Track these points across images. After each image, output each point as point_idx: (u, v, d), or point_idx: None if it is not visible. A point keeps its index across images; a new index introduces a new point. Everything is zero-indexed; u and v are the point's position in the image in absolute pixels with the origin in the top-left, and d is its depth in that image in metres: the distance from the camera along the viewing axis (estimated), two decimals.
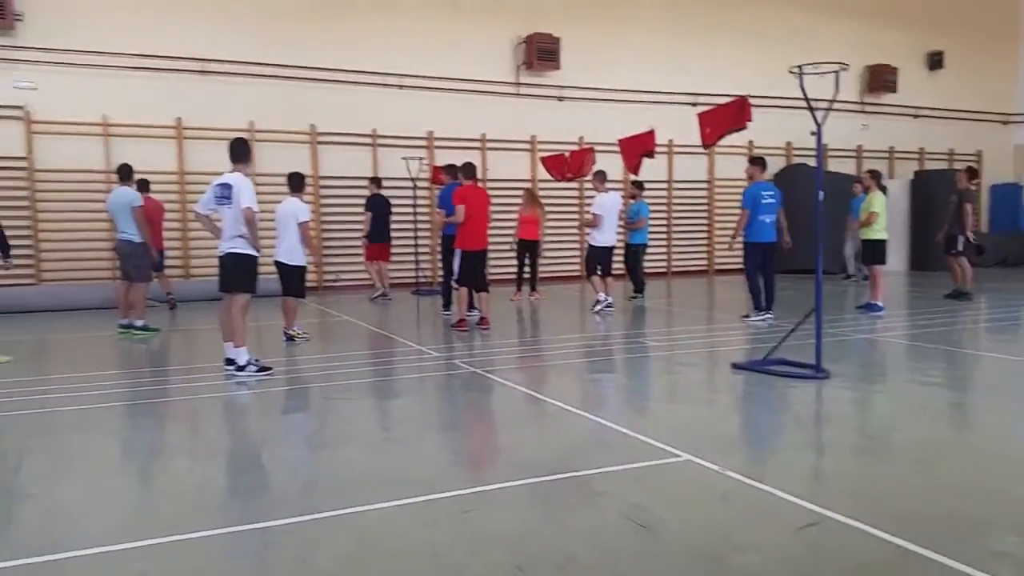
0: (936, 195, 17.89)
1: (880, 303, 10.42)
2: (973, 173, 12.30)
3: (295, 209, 8.27)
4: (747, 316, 9.81)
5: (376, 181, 13.15)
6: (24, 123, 12.35)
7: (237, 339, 6.69)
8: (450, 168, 10.73)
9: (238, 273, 6.74)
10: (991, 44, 20.75)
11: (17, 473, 4.25)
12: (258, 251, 6.79)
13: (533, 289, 12.59)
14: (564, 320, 10.83)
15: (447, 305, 10.56)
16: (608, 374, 7.16)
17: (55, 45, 12.40)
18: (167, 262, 12.15)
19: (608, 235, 10.94)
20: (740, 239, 9.86)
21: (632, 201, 12.64)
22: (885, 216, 10.71)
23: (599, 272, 10.97)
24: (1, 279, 12.18)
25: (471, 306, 9.37)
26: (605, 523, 3.45)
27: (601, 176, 10.96)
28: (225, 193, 6.64)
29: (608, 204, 10.88)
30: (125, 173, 9.23)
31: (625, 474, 4.08)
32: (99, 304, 11.39)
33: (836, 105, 6.26)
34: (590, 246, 11.19)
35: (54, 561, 3.10)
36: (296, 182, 8.61)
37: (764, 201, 9.58)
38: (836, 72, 6.15)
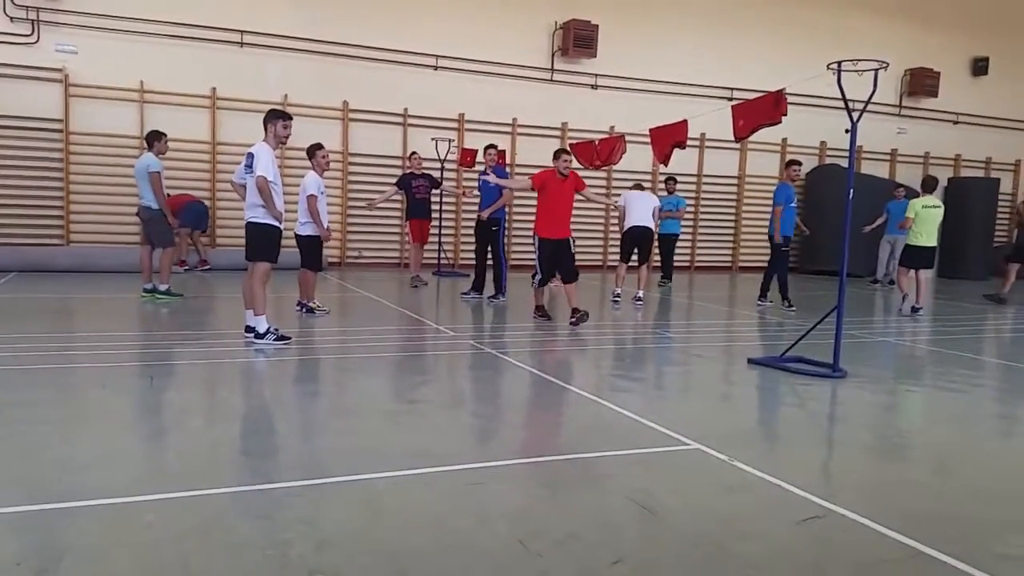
0: (970, 203, 17.64)
1: (920, 304, 10.66)
2: None
3: (306, 182, 8.37)
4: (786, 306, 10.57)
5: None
6: (62, 86, 12.52)
7: (257, 307, 6.76)
8: (488, 149, 10.57)
9: (257, 242, 6.83)
10: None
11: (35, 424, 4.34)
12: (279, 220, 6.84)
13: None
14: (586, 307, 10.79)
15: (479, 289, 10.45)
16: (623, 362, 7.14)
17: (96, 10, 12.55)
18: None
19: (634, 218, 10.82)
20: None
21: (670, 195, 13.57)
22: (926, 222, 10.83)
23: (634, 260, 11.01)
24: (32, 239, 12.43)
25: (540, 310, 8.86)
26: (609, 504, 3.46)
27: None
28: (249, 162, 6.75)
29: (631, 197, 10.99)
30: (151, 139, 9.35)
31: (632, 459, 4.08)
32: (126, 268, 11.56)
33: (873, 107, 6.18)
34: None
35: (66, 508, 3.17)
36: (310, 153, 8.61)
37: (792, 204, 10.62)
38: (875, 71, 6.05)
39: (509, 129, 15.37)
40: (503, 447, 4.41)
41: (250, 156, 6.75)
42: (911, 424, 5.40)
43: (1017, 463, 4.37)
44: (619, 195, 11.82)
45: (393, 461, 3.84)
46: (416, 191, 11.78)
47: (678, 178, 14.28)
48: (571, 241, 8.72)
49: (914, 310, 10.52)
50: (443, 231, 14.29)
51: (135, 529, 3.01)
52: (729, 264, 17.68)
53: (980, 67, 19.46)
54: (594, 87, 15.96)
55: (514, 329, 8.55)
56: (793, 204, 10.64)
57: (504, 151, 11.21)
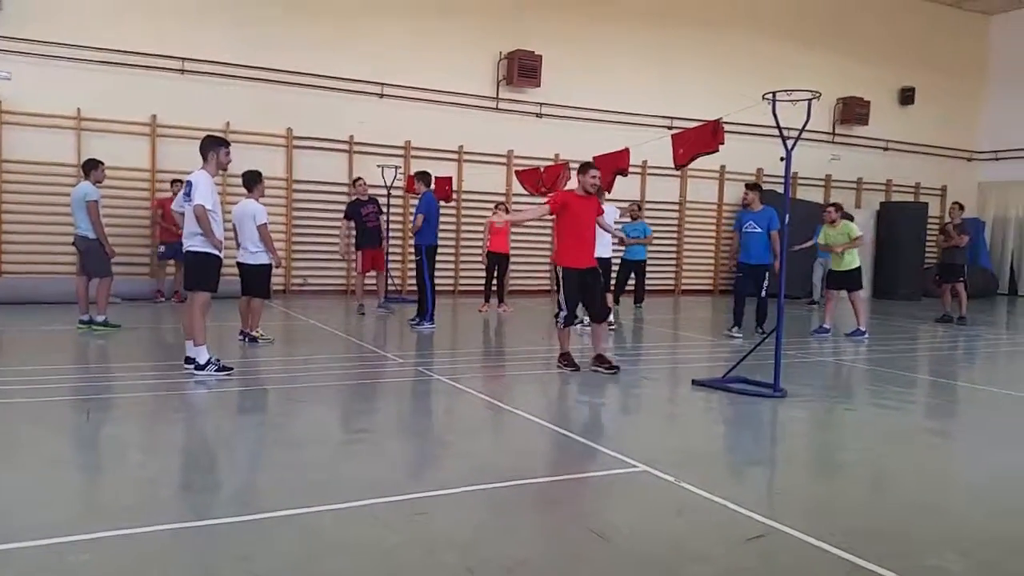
0: (900, 226, 18.33)
1: (863, 327, 10.72)
2: (962, 206, 13.23)
3: (252, 210, 8.20)
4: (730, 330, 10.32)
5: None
6: None
7: (197, 338, 6.62)
8: (422, 175, 10.63)
9: (196, 271, 6.71)
10: (959, 84, 21.31)
11: None
12: (219, 249, 6.74)
13: (501, 301, 12.64)
14: (530, 332, 10.85)
15: (421, 316, 10.33)
16: (571, 386, 7.17)
17: (33, 36, 12.25)
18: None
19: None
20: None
21: (634, 220, 13.68)
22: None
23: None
24: None
25: (566, 359, 7.51)
26: (559, 530, 3.46)
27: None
28: (187, 190, 6.66)
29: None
30: (87, 168, 9.19)
31: (581, 483, 4.10)
32: (60, 298, 11.19)
33: (808, 134, 6.39)
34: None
35: None
36: (248, 181, 8.38)
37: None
38: (808, 100, 6.27)
39: (455, 156, 15.44)
40: (451, 475, 4.38)
41: (188, 184, 6.66)
42: (849, 441, 5.54)
43: (950, 477, 4.52)
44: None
45: (338, 493, 3.79)
46: (367, 219, 11.69)
47: (621, 206, 14.49)
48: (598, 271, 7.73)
49: (826, 330, 10.72)
50: (388, 258, 14.22)
51: (69, 569, 2.90)
52: (672, 288, 17.98)
53: (907, 96, 20.33)
54: (539, 115, 16.17)
55: (464, 355, 8.52)
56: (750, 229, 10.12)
57: (418, 173, 11.04)
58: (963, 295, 12.63)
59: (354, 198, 12.07)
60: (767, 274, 9.96)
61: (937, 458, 5.08)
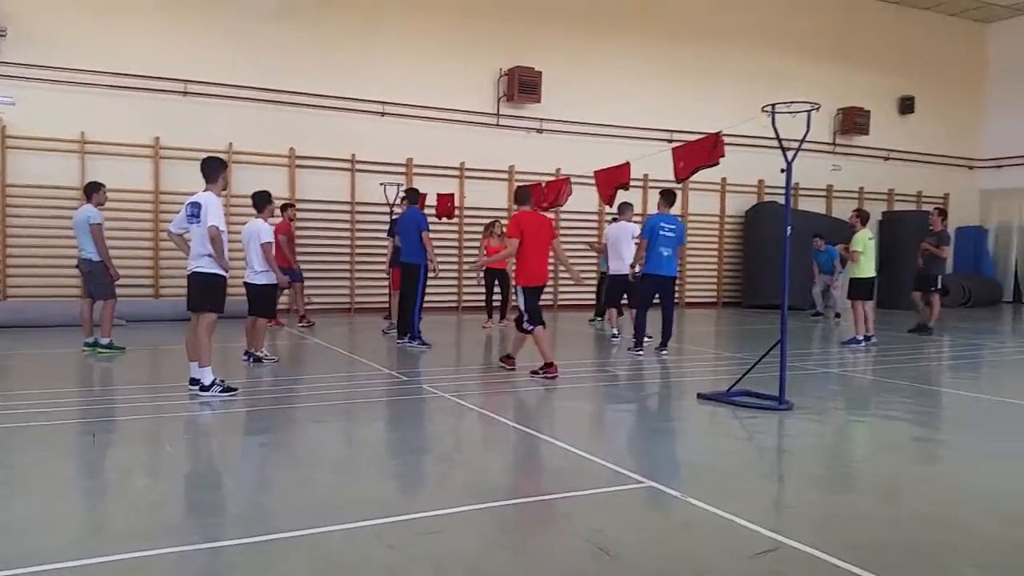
0: (903, 235, 18.31)
1: (860, 336, 10.80)
2: (945, 215, 12.82)
3: (258, 229, 8.29)
4: (633, 348, 9.66)
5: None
6: None
7: (202, 359, 6.63)
8: (411, 192, 10.64)
9: (204, 292, 6.73)
10: (959, 92, 21.38)
11: None
12: (226, 271, 6.78)
13: (503, 317, 12.65)
14: (533, 348, 10.82)
15: (402, 333, 10.26)
16: (574, 401, 7.16)
17: (36, 61, 12.36)
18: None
19: (620, 263, 10.75)
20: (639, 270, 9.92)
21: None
22: (871, 255, 11.07)
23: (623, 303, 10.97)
24: None
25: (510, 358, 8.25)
26: (565, 546, 3.45)
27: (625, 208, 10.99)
28: (194, 212, 6.68)
29: (612, 234, 11.01)
30: (89, 191, 9.27)
31: (588, 499, 4.09)
32: (65, 321, 11.22)
33: (809, 145, 6.41)
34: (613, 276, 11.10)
35: None
36: (258, 202, 8.57)
37: (663, 233, 9.52)
38: (808, 112, 6.30)
39: (457, 173, 15.50)
40: (458, 493, 4.37)
41: (196, 205, 6.69)
42: (857, 453, 5.53)
43: (960, 489, 4.49)
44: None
45: (346, 513, 3.78)
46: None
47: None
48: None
49: (867, 339, 10.81)
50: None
51: None
52: (676, 300, 17.93)
53: (907, 105, 20.39)
54: (539, 131, 16.24)
55: (468, 372, 8.52)
56: (667, 236, 9.55)
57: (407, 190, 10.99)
58: (936, 306, 12.33)
59: (396, 216, 11.84)
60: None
61: (945, 469, 5.05)
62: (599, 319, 13.28)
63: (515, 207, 8.62)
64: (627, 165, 9.21)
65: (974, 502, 4.20)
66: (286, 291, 11.36)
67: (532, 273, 7.99)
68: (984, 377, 9.26)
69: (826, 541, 3.47)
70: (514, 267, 8.49)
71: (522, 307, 8.02)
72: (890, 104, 20.35)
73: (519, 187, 8.96)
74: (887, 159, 20.25)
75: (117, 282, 9.29)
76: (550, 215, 15.38)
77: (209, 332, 6.72)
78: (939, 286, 12.31)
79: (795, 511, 4.12)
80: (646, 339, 9.74)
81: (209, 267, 6.67)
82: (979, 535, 3.67)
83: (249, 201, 8.91)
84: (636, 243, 10.19)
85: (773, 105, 6.32)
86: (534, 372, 7.89)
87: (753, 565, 3.25)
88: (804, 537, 3.50)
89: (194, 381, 6.71)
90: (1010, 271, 20.87)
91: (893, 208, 20.08)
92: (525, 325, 7.97)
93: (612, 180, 9.37)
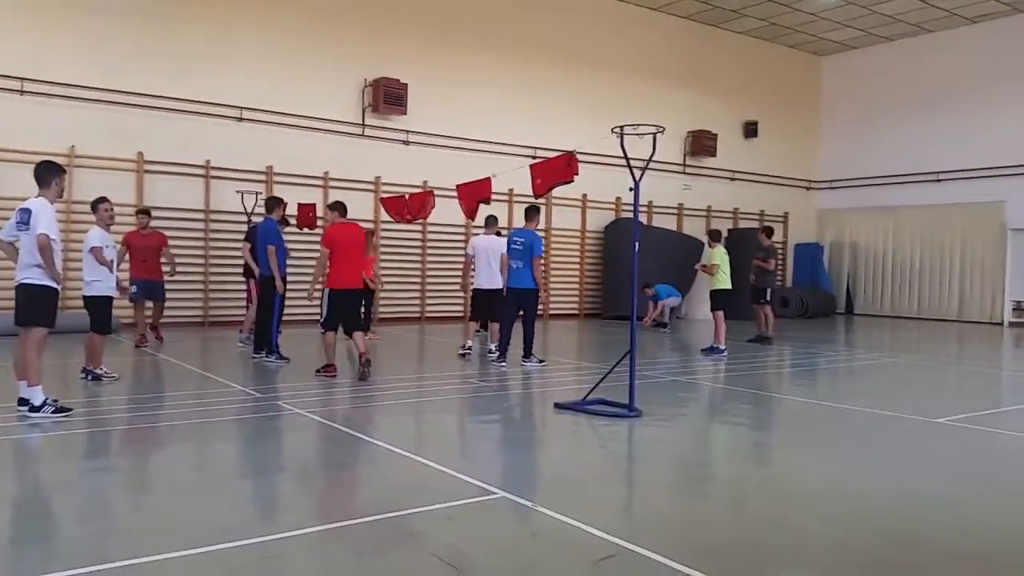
0: (746, 251, 19.55)
1: (722, 346, 11.50)
2: (770, 232, 14.13)
3: (89, 236, 7.81)
4: (497, 360, 9.89)
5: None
6: None
7: (31, 378, 6.15)
8: (268, 201, 10.20)
9: (32, 306, 6.25)
10: (798, 118, 23.11)
11: None
12: (58, 283, 6.32)
13: (367, 330, 12.44)
14: (397, 361, 10.78)
15: (258, 348, 9.95)
16: (435, 414, 7.18)
17: None
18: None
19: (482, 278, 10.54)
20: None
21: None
22: (727, 268, 12.01)
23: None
24: None
25: (327, 367, 8.67)
26: (414, 564, 3.45)
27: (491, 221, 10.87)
28: (24, 219, 6.20)
29: (479, 246, 10.64)
30: None
31: (440, 513, 4.10)
32: None
33: (661, 165, 6.82)
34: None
35: None
36: (93, 206, 8.05)
37: (513, 247, 9.86)
38: (653, 134, 6.64)
39: (321, 182, 15.19)
40: (305, 513, 4.27)
41: (26, 212, 6.21)
42: (702, 458, 5.84)
43: (799, 492, 4.81)
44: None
45: (183, 539, 3.62)
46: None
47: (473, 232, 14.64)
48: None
49: (716, 350, 11.45)
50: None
51: None
52: (540, 312, 18.31)
53: (751, 130, 21.84)
54: (406, 143, 16.19)
55: (327, 387, 8.34)
56: (515, 248, 9.80)
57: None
58: (770, 316, 13.40)
59: (254, 224, 11.29)
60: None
61: (788, 474, 5.36)
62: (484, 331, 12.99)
63: (331, 216, 9.16)
64: (488, 180, 9.34)
65: (804, 503, 4.53)
66: (132, 305, 10.78)
67: (339, 278, 8.68)
68: (818, 384, 10.01)
69: (668, 545, 3.64)
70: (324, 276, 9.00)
71: (323, 310, 8.35)
72: (736, 128, 21.71)
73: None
74: (733, 179, 21.57)
75: None
76: (416, 227, 15.49)
77: (38, 349, 6.25)
78: (767, 298, 13.35)
79: (641, 516, 4.31)
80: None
81: (39, 279, 6.20)
82: (805, 535, 3.95)
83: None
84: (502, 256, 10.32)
85: (622, 127, 6.62)
86: (317, 371, 8.72)
87: (595, 571, 3.38)
88: (647, 542, 3.66)
89: (23, 401, 6.21)
90: (843, 284, 22.69)
91: (738, 226, 21.38)
92: (319, 327, 8.43)
93: (474, 194, 9.46)
